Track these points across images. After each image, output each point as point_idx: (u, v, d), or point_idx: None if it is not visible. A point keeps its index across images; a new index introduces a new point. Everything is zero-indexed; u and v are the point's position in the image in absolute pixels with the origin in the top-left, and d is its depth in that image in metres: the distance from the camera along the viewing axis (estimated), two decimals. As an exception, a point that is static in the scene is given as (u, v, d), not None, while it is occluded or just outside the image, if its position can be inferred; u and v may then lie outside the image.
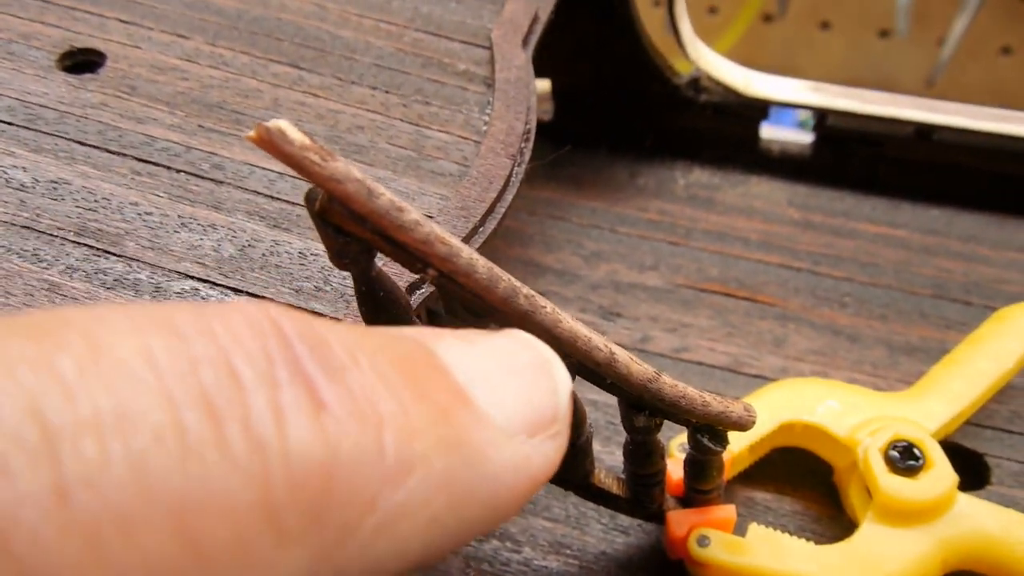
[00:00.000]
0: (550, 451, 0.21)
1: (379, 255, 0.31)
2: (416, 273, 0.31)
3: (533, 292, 0.32)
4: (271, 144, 0.26)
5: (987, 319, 0.53)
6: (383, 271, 0.32)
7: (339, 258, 0.31)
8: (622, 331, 0.55)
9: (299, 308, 0.38)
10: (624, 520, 0.47)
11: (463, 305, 0.32)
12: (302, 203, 0.42)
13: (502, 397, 0.21)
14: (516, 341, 0.23)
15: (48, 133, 0.43)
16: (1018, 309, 0.52)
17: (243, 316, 0.18)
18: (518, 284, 0.31)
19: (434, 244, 0.29)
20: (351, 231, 0.29)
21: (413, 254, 0.29)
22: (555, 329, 0.32)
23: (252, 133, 0.26)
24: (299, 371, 0.17)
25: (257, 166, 0.43)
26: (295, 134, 0.26)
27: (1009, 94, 1.47)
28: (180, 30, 0.49)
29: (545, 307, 0.32)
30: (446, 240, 0.30)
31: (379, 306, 0.33)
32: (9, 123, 0.43)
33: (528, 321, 0.32)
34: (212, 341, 0.16)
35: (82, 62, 0.47)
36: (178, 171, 0.42)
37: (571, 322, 0.32)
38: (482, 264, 0.30)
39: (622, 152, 0.66)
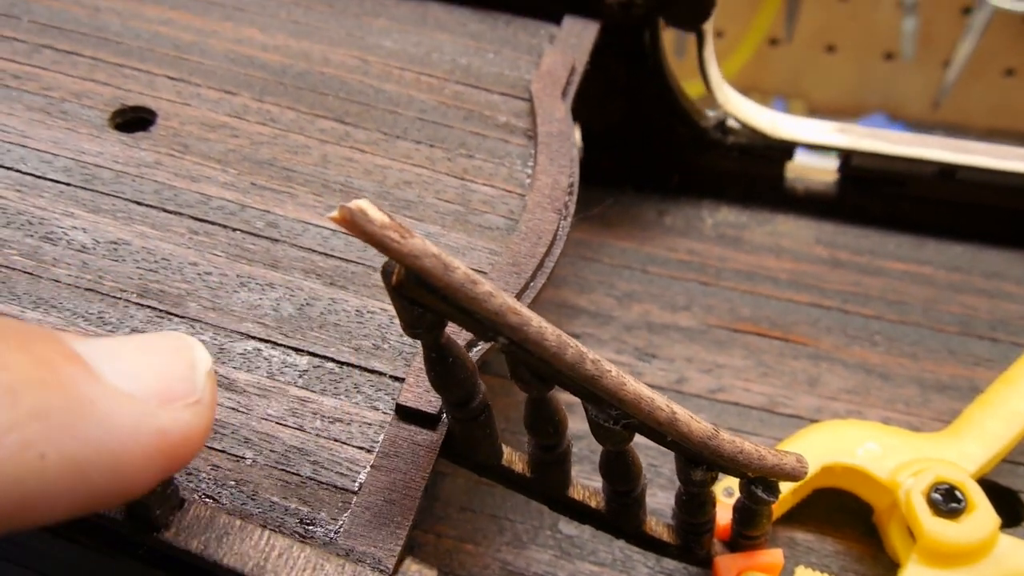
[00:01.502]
0: (187, 416, 0.24)
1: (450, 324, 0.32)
2: (487, 341, 0.32)
3: (599, 357, 0.33)
4: (353, 224, 0.27)
5: (1019, 357, 0.54)
6: (452, 338, 0.33)
7: (412, 328, 0.32)
8: (658, 372, 0.56)
9: (359, 366, 0.39)
10: (669, 563, 0.48)
11: (530, 370, 0.33)
12: (356, 260, 0.43)
13: (128, 368, 0.23)
14: (159, 334, 0.26)
15: (105, 193, 0.44)
16: None
17: None
18: (584, 350, 0.32)
19: (507, 315, 0.30)
20: (426, 303, 0.30)
21: (485, 324, 0.31)
22: (620, 392, 0.33)
23: (335, 214, 0.27)
24: None
25: (310, 223, 0.44)
26: (376, 214, 0.27)
27: (1013, 115, 1.49)
28: (227, 86, 0.51)
29: (611, 371, 0.33)
30: (517, 310, 0.31)
31: (447, 371, 0.34)
32: (67, 183, 0.44)
33: (595, 384, 0.33)
34: None
35: (133, 120, 0.48)
36: (234, 230, 0.43)
37: (635, 384, 0.33)
38: (551, 332, 0.31)
39: (649, 192, 0.67)
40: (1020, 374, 0.52)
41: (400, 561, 0.32)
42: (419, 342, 0.38)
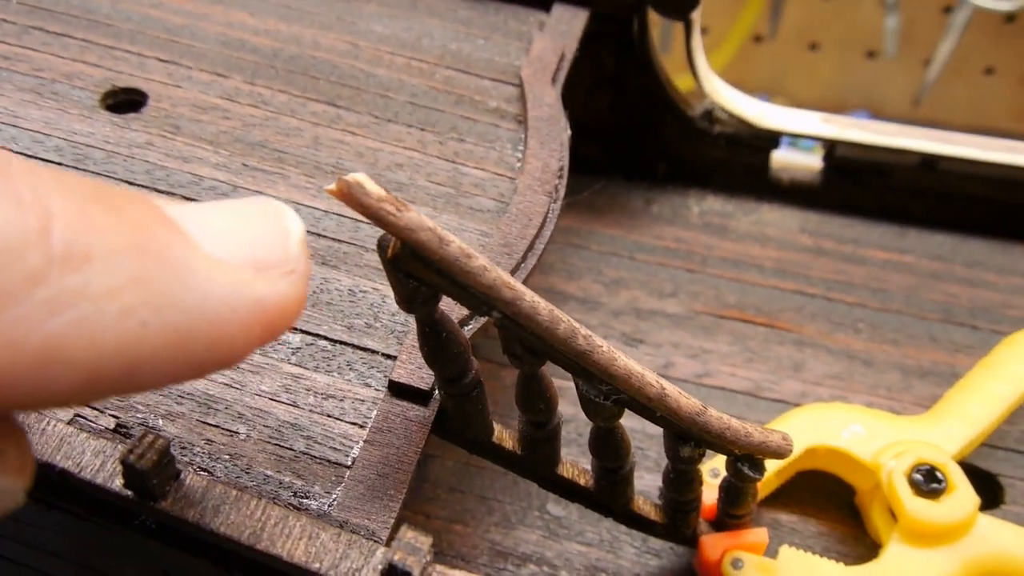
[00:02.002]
0: (283, 286, 0.23)
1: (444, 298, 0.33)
2: (481, 316, 0.33)
3: (590, 332, 0.33)
4: (350, 196, 0.27)
5: (998, 343, 0.55)
6: (445, 313, 0.33)
7: (407, 303, 0.32)
8: (645, 357, 0.57)
9: (352, 344, 0.39)
10: (656, 543, 0.48)
11: (523, 344, 0.34)
12: (348, 240, 0.43)
13: (221, 234, 0.22)
14: (248, 199, 0.25)
15: (97, 173, 0.44)
16: None
17: None
18: (576, 325, 0.33)
19: (500, 289, 0.31)
20: (421, 277, 0.31)
21: (479, 298, 0.31)
22: (611, 367, 0.33)
23: (332, 186, 0.28)
24: None
25: (303, 204, 0.44)
26: (372, 187, 0.28)
27: (992, 113, 1.51)
28: (219, 69, 0.51)
29: (602, 346, 0.33)
30: (511, 285, 0.31)
31: (441, 345, 0.34)
32: (58, 163, 0.44)
33: (586, 359, 0.33)
34: None
35: (125, 101, 0.48)
36: (167, 200, 0.43)
37: (625, 359, 0.34)
38: (544, 307, 0.32)
39: (637, 180, 0.67)
40: (998, 360, 0.53)
41: (394, 531, 0.32)
42: (412, 319, 0.38)
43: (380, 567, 0.29)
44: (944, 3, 1.41)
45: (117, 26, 0.52)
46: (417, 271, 0.30)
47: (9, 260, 0.18)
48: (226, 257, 0.22)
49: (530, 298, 0.31)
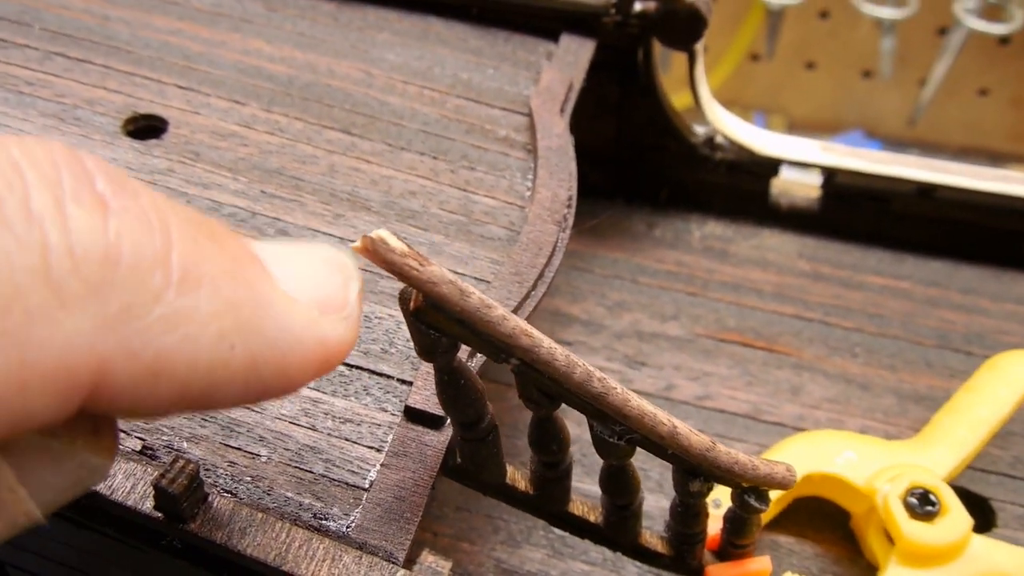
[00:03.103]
0: (341, 329, 0.25)
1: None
2: (499, 363, 0.34)
3: (604, 375, 0.34)
4: (375, 253, 0.29)
5: (980, 367, 0.56)
6: (463, 361, 0.35)
7: (427, 353, 0.33)
8: (647, 379, 0.58)
9: (368, 370, 0.40)
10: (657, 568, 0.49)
11: (539, 389, 0.35)
12: (363, 267, 0.44)
13: (295, 273, 0.25)
14: (318, 245, 0.27)
15: (120, 198, 0.45)
16: (1007, 357, 0.56)
17: (41, 140, 0.21)
18: (591, 369, 0.34)
19: (519, 337, 0.32)
20: (442, 328, 0.32)
21: (499, 346, 0.32)
22: (625, 408, 0.35)
23: (358, 244, 0.29)
24: (86, 181, 0.20)
25: (320, 231, 0.46)
26: (396, 243, 0.29)
27: (986, 134, 1.53)
28: (236, 96, 0.52)
29: (616, 389, 0.34)
30: (529, 333, 0.32)
31: (458, 393, 0.35)
32: (82, 188, 0.46)
33: (601, 401, 0.34)
34: (2, 151, 0.20)
35: (145, 127, 0.50)
36: (246, 236, 0.45)
37: (638, 400, 0.35)
38: (560, 352, 0.33)
39: (640, 205, 0.69)
40: (982, 382, 0.54)
41: (412, 553, 0.33)
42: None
43: (401, 590, 0.30)
44: (939, 25, 1.43)
45: (137, 53, 0.54)
46: (438, 322, 0.32)
47: (140, 278, 0.20)
48: (294, 291, 0.24)
49: (547, 345, 0.32)
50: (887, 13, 1.38)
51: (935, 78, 1.44)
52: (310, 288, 0.25)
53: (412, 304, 0.31)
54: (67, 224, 0.19)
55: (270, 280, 0.23)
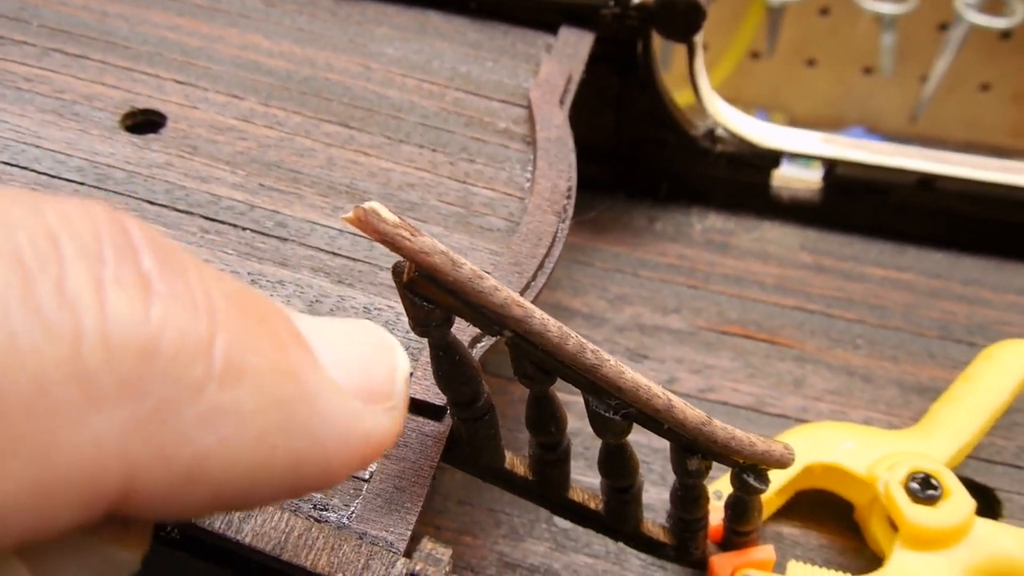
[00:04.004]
0: (386, 421, 0.23)
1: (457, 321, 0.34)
2: (493, 335, 0.34)
3: (597, 347, 0.34)
4: (367, 224, 0.29)
5: (977, 356, 0.56)
6: (457, 338, 0.35)
7: (421, 326, 0.33)
8: (650, 372, 0.58)
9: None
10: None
11: (533, 362, 0.35)
12: (363, 259, 0.44)
13: (341, 359, 0.22)
14: (363, 324, 0.25)
15: (119, 192, 0.45)
16: (1004, 346, 0.56)
17: (81, 205, 0.18)
18: (584, 341, 0.34)
19: (511, 307, 0.32)
20: (435, 299, 0.32)
21: (491, 317, 0.32)
22: (619, 379, 0.35)
23: (350, 215, 0.29)
24: (131, 256, 0.18)
25: (318, 223, 0.45)
26: (387, 214, 0.29)
27: (988, 129, 1.53)
28: (234, 91, 0.52)
29: (609, 360, 0.34)
30: (521, 303, 0.32)
31: (454, 369, 0.35)
32: (81, 183, 0.46)
33: (595, 374, 0.34)
34: (37, 217, 0.17)
35: (143, 122, 0.50)
36: (244, 229, 0.45)
37: (632, 373, 0.35)
38: (553, 324, 0.33)
39: (640, 199, 0.69)
40: (979, 371, 0.54)
41: (412, 544, 0.33)
42: (425, 341, 0.40)
43: (402, 577, 0.30)
44: (940, 20, 1.43)
45: (135, 48, 0.54)
46: (431, 293, 0.32)
47: (181, 371, 0.18)
48: (340, 380, 0.22)
49: (540, 316, 0.33)
50: (887, 9, 1.38)
51: (936, 74, 1.44)
52: (357, 375, 0.22)
53: (405, 276, 0.31)
54: (104, 309, 0.17)
55: (316, 367, 0.21)
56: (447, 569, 0.29)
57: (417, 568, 0.29)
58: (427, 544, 0.30)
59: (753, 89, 1.56)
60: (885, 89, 1.52)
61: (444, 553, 0.29)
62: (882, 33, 1.44)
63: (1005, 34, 1.39)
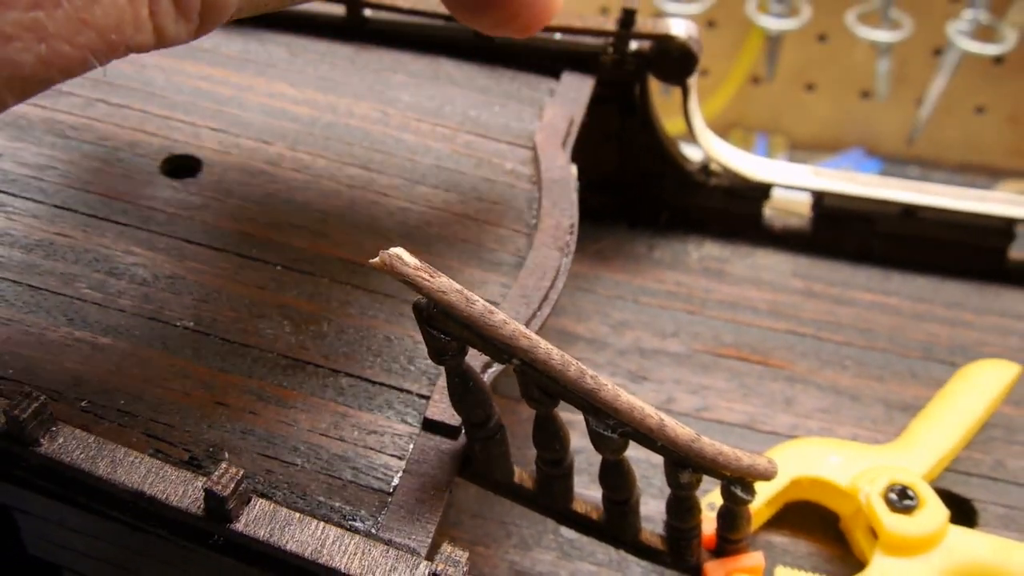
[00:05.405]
0: None
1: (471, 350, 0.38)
2: (502, 363, 0.38)
3: (596, 373, 0.39)
4: (391, 267, 0.34)
5: (953, 375, 0.60)
6: (471, 366, 0.39)
7: (439, 355, 0.38)
8: (649, 393, 0.62)
9: (390, 386, 0.45)
10: (659, 565, 0.53)
11: (539, 387, 0.39)
12: (384, 293, 0.49)
13: None
14: None
15: (160, 233, 0.50)
16: (977, 366, 0.60)
17: None
18: (584, 367, 0.38)
19: (519, 339, 0.36)
20: (451, 332, 0.36)
21: (501, 348, 0.37)
22: (615, 402, 0.39)
23: (376, 260, 0.34)
24: None
25: (344, 260, 0.50)
26: (409, 258, 0.34)
27: (983, 150, 1.56)
28: (264, 136, 0.56)
29: (607, 385, 0.39)
30: (528, 335, 0.37)
31: (468, 393, 0.40)
32: (126, 224, 0.50)
33: (594, 397, 0.39)
34: None
35: (181, 167, 0.54)
36: (276, 265, 0.49)
37: (627, 396, 0.39)
38: (556, 352, 0.37)
39: (640, 228, 0.73)
40: (953, 391, 0.58)
41: (432, 549, 0.37)
42: (443, 368, 0.44)
43: (425, 577, 0.34)
44: (934, 46, 1.47)
45: (171, 98, 0.58)
46: (448, 327, 0.36)
47: None
48: None
49: (544, 346, 0.37)
50: (883, 36, 1.43)
51: (931, 97, 1.48)
52: None
53: (425, 312, 0.35)
54: None
55: None
56: (465, 570, 0.33)
57: (439, 569, 0.33)
58: (447, 548, 0.34)
59: (754, 113, 1.60)
60: (882, 112, 1.56)
61: (462, 556, 0.33)
62: (878, 59, 1.48)
63: (998, 59, 1.43)
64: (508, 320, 0.36)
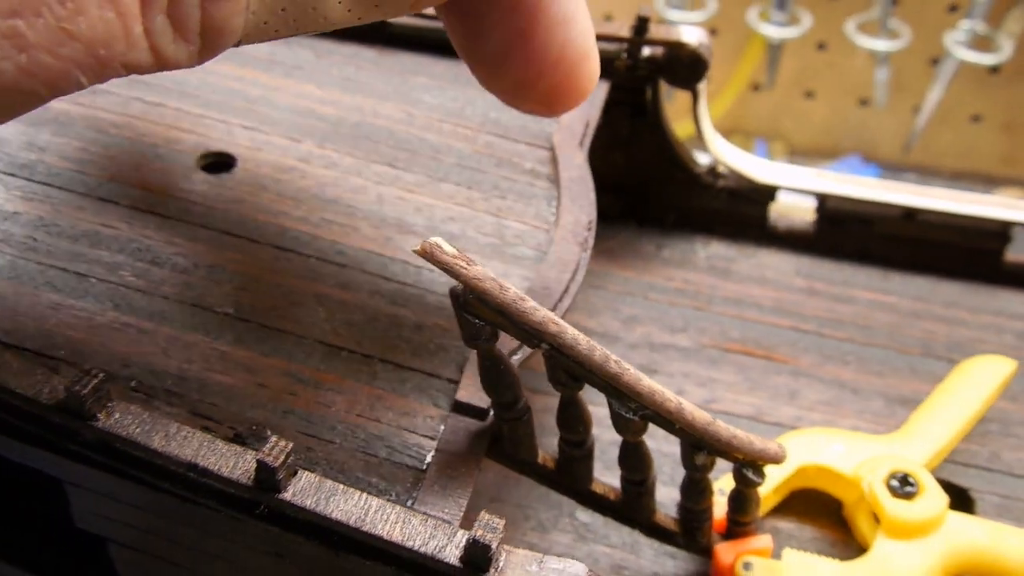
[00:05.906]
0: None
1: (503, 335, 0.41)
2: (532, 347, 0.41)
3: (619, 358, 0.41)
4: (432, 254, 0.36)
5: (951, 371, 0.63)
6: (500, 350, 0.42)
7: (472, 339, 0.40)
8: (659, 385, 0.64)
9: (422, 371, 0.47)
10: (671, 547, 0.56)
11: (565, 371, 0.42)
12: (412, 284, 0.51)
13: None
14: None
15: (200, 225, 0.52)
16: (974, 361, 0.63)
17: None
18: (608, 353, 0.41)
19: (548, 325, 0.39)
20: (485, 317, 0.39)
21: (531, 333, 0.39)
22: (637, 386, 0.41)
23: (418, 247, 0.36)
24: None
25: (373, 252, 0.52)
26: (448, 247, 0.36)
27: (979, 158, 1.59)
28: (293, 134, 0.59)
29: (629, 369, 0.41)
30: (556, 321, 0.39)
31: (499, 376, 0.42)
32: (167, 216, 0.52)
33: (617, 381, 0.41)
34: None
35: (217, 163, 0.57)
36: (309, 256, 0.52)
37: (649, 380, 0.42)
38: (583, 338, 0.40)
39: (649, 228, 0.76)
40: (952, 384, 0.61)
41: (463, 521, 0.40)
42: (472, 352, 0.46)
43: (463, 543, 0.36)
44: (931, 56, 1.50)
45: (205, 97, 0.61)
46: (482, 313, 0.39)
47: None
48: None
49: (571, 331, 0.40)
50: (881, 45, 1.45)
51: (928, 105, 1.51)
52: None
53: (460, 298, 0.38)
54: None
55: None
56: (502, 536, 0.36)
57: (478, 535, 0.35)
58: (484, 515, 0.36)
59: (754, 119, 1.63)
60: (880, 120, 1.59)
61: (499, 522, 0.36)
62: (876, 67, 1.51)
63: (994, 68, 1.46)
64: (538, 307, 0.39)
